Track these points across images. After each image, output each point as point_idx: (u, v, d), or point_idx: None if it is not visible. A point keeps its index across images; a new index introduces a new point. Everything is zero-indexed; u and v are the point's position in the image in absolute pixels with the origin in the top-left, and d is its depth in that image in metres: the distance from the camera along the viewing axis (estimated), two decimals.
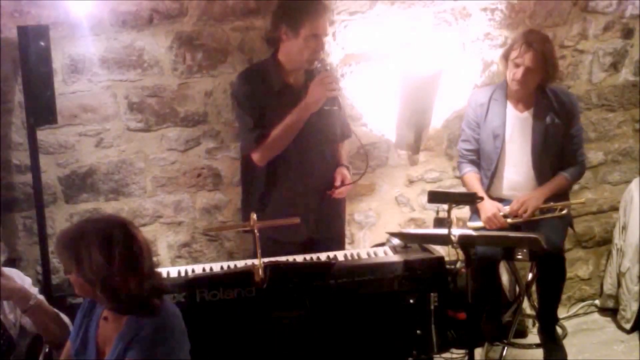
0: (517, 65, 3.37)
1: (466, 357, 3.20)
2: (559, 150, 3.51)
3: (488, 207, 3.44)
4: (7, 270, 2.80)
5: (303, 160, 3.22)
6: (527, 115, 3.49)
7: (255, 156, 3.19)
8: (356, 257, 3.05)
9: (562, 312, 3.89)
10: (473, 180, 3.58)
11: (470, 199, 3.29)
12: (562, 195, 3.54)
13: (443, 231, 2.92)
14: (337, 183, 3.29)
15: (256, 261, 2.72)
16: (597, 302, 4.25)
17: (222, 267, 3.00)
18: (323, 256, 3.07)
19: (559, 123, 3.46)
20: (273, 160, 3.19)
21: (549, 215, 3.45)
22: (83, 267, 2.07)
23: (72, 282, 2.16)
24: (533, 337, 3.77)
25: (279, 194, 3.24)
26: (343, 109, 3.19)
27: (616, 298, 4.07)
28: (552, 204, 3.46)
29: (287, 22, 3.10)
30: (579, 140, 3.57)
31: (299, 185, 3.24)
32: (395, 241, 3.17)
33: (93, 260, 2.05)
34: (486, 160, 3.58)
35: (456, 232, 2.94)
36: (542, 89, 3.47)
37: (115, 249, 2.07)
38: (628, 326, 3.90)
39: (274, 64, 3.20)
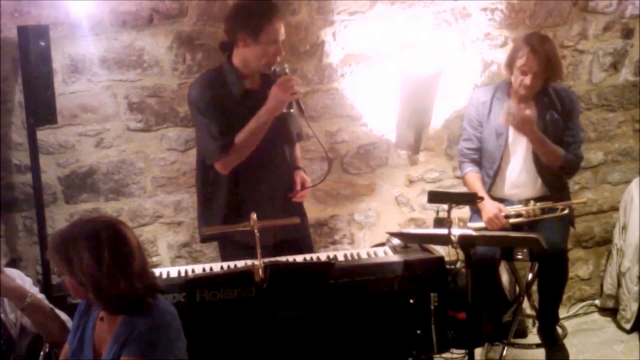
0: (524, 73, 3.36)
1: (466, 357, 3.20)
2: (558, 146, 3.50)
3: (489, 207, 3.43)
4: (8, 271, 2.81)
5: (266, 164, 3.16)
6: (528, 113, 3.48)
7: (220, 164, 3.09)
8: (356, 257, 3.05)
9: (562, 312, 3.88)
10: (474, 180, 3.58)
11: (470, 199, 3.29)
12: (562, 195, 3.54)
13: (443, 231, 2.92)
14: (298, 187, 3.25)
15: (256, 261, 2.72)
16: (597, 302, 4.24)
17: (222, 267, 3.00)
18: (323, 256, 3.07)
19: (558, 119, 3.46)
20: (236, 166, 3.11)
21: (550, 215, 3.44)
22: (74, 269, 2.07)
23: (66, 284, 2.17)
24: (533, 337, 3.77)
25: (244, 199, 3.16)
26: (302, 111, 3.05)
27: (616, 298, 4.07)
28: (552, 203, 3.46)
29: (246, 28, 3.01)
30: (576, 135, 3.52)
31: (264, 189, 3.17)
32: (395, 241, 3.16)
33: (83, 262, 2.06)
34: (488, 159, 3.57)
35: (456, 232, 2.94)
36: (544, 87, 3.46)
37: (104, 250, 2.06)
38: (628, 326, 3.90)
39: (231, 69, 3.11)
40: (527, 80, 3.35)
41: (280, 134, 3.18)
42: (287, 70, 3.03)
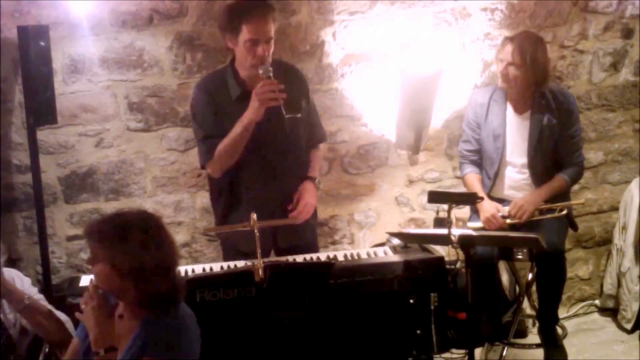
0: (501, 61, 3.39)
1: (466, 357, 3.20)
2: (554, 151, 3.50)
3: (487, 207, 3.43)
4: (7, 271, 2.81)
5: (261, 170, 3.08)
6: (525, 116, 3.49)
7: (209, 168, 3.08)
8: (356, 257, 3.05)
9: (562, 312, 3.89)
10: (473, 181, 3.58)
11: (470, 199, 3.29)
12: (562, 195, 3.54)
13: (443, 231, 2.92)
14: (292, 205, 3.09)
15: (256, 261, 2.72)
16: (597, 302, 4.24)
17: (222, 267, 3.00)
18: (323, 256, 3.07)
19: (555, 123, 3.45)
20: (233, 169, 3.06)
21: (549, 215, 3.44)
22: (119, 256, 2.07)
23: (96, 273, 2.14)
24: (533, 337, 3.77)
25: (239, 204, 3.12)
26: (283, 117, 2.87)
27: (616, 298, 4.07)
28: (550, 204, 3.45)
29: (227, 29, 2.97)
30: (578, 140, 3.55)
31: (258, 195, 3.10)
32: (395, 241, 3.16)
33: (132, 249, 2.06)
34: (487, 161, 3.57)
35: (456, 232, 2.94)
36: (539, 91, 3.45)
37: (153, 240, 2.10)
38: (629, 326, 3.90)
39: (231, 71, 3.06)
40: (501, 66, 3.37)
41: (279, 140, 3.05)
42: (270, 74, 2.89)
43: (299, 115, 3.00)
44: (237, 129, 2.95)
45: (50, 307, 2.76)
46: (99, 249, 2.11)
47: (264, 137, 3.02)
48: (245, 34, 2.91)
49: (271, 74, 2.89)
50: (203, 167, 3.15)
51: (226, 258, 3.27)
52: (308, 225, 3.24)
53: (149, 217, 2.21)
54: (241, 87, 3.05)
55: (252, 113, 2.91)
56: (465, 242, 2.89)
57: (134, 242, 2.07)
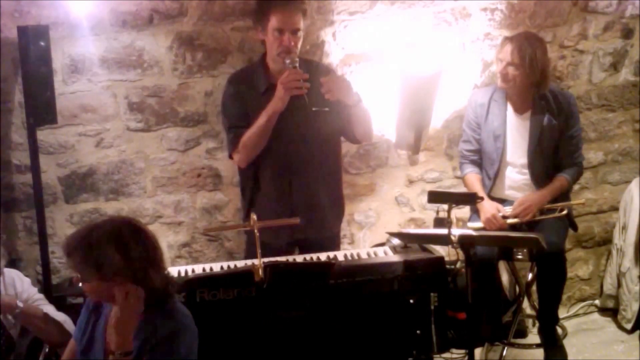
0: (500, 61, 3.40)
1: (466, 357, 3.20)
2: (555, 151, 3.51)
3: (487, 207, 3.43)
4: (7, 271, 2.82)
5: (285, 162, 3.16)
6: (525, 116, 3.49)
7: (235, 158, 3.20)
8: (356, 257, 3.05)
9: (562, 312, 3.89)
10: (473, 181, 3.58)
11: (470, 199, 3.29)
12: (562, 195, 3.54)
13: (443, 231, 2.92)
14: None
15: (256, 261, 2.72)
16: (597, 302, 4.24)
17: (222, 267, 3.00)
18: (323, 256, 3.07)
19: (555, 124, 3.46)
20: (257, 161, 3.16)
21: (549, 215, 3.44)
22: (105, 272, 2.08)
23: (89, 290, 2.15)
24: (533, 337, 3.77)
25: (263, 195, 3.21)
26: (306, 108, 2.92)
27: (616, 298, 4.07)
28: (550, 204, 3.45)
29: (257, 19, 3.13)
30: (578, 141, 3.56)
31: (281, 187, 3.18)
32: (395, 241, 3.16)
33: (114, 262, 2.07)
34: (488, 161, 3.58)
35: (456, 232, 2.94)
36: (539, 91, 3.45)
37: (131, 246, 2.10)
38: (629, 326, 3.90)
39: (261, 65, 3.20)
40: (500, 66, 3.38)
41: (305, 132, 3.14)
42: (296, 64, 3.00)
43: (326, 109, 3.03)
44: (261, 119, 3.05)
45: (49, 307, 2.76)
46: (83, 270, 2.12)
47: (288, 130, 3.10)
48: (273, 23, 3.04)
49: (297, 64, 2.99)
50: (230, 157, 3.25)
51: (249, 251, 3.30)
52: (327, 220, 3.30)
53: (118, 222, 2.21)
54: (269, 81, 3.14)
55: (276, 102, 3.01)
56: (465, 242, 2.89)
57: (113, 253, 2.07)
